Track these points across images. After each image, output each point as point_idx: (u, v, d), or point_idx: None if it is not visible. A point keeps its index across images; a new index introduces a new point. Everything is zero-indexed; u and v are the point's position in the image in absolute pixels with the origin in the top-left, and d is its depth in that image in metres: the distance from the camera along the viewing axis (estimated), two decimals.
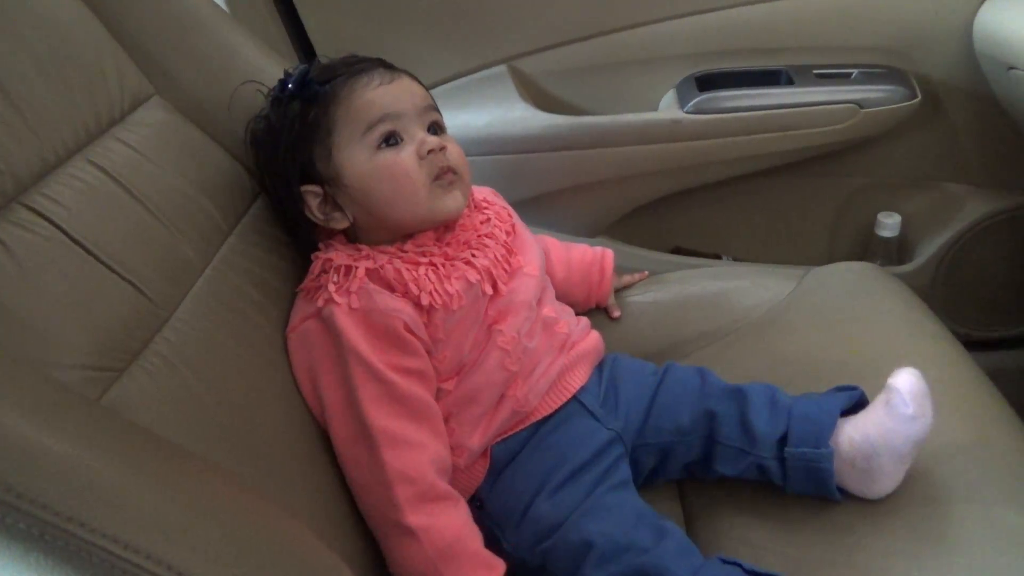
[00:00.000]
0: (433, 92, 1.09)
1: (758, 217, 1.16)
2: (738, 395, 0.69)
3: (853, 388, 0.67)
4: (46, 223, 0.53)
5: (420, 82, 0.71)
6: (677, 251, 1.15)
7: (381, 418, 0.60)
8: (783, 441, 0.65)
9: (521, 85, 1.05)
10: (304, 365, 0.64)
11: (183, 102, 0.73)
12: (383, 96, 0.66)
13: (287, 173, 0.68)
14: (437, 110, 0.71)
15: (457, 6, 1.02)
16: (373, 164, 0.65)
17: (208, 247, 0.65)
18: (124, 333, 0.53)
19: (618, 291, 0.90)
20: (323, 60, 0.71)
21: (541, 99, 1.06)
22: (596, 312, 0.88)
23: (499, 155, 1.03)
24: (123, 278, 0.55)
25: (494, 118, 1.02)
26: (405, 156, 0.65)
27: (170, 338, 0.56)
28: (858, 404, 0.66)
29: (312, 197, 0.67)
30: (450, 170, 0.66)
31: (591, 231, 1.10)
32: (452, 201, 0.67)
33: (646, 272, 0.93)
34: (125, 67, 0.69)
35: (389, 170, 0.65)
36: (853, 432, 0.63)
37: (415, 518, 0.59)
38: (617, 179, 1.05)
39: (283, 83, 0.68)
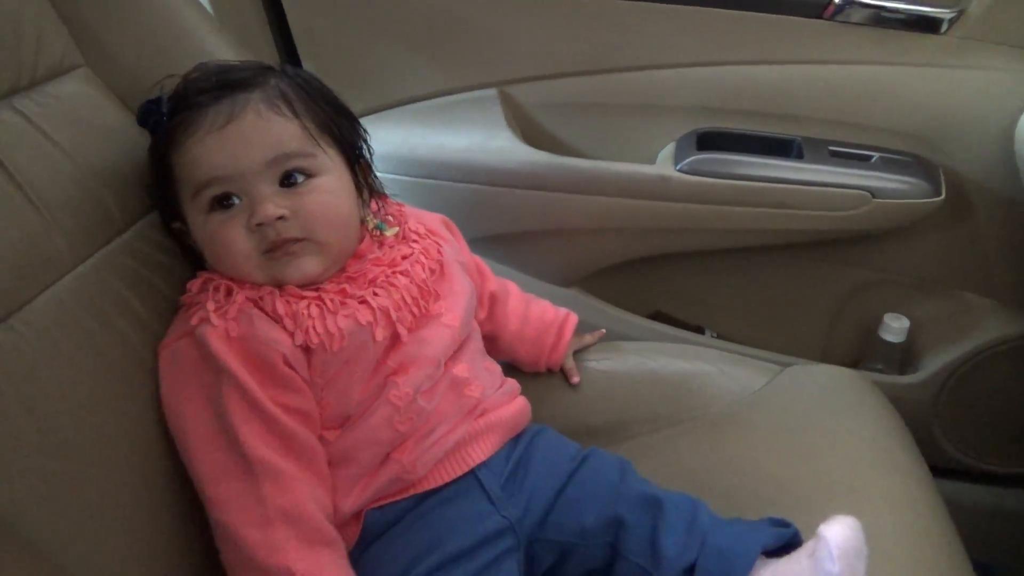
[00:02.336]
0: (416, 107, 1.02)
1: (751, 295, 1.05)
2: (654, 505, 0.60)
3: (787, 524, 0.58)
4: None
5: (289, 103, 0.58)
6: (656, 316, 1.06)
7: (261, 448, 0.53)
8: (691, 571, 0.56)
9: (510, 113, 0.97)
10: (171, 388, 0.57)
11: (115, 79, 0.67)
12: (212, 154, 0.56)
13: (158, 204, 0.63)
14: (303, 152, 0.58)
15: (451, 21, 0.94)
16: (205, 228, 0.58)
17: (88, 241, 0.58)
18: None
19: (577, 352, 0.83)
20: (190, 75, 0.60)
21: (531, 131, 0.99)
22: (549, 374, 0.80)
23: (473, 184, 0.95)
24: None
25: (474, 143, 0.95)
26: (229, 229, 0.57)
27: None
28: (790, 542, 0.57)
29: (183, 233, 0.62)
30: (288, 241, 0.57)
31: (563, 280, 1.01)
32: (294, 271, 0.58)
33: (603, 330, 0.85)
34: (50, 32, 0.63)
35: (215, 240, 0.58)
36: None
37: (301, 564, 0.52)
38: (596, 230, 0.96)
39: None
